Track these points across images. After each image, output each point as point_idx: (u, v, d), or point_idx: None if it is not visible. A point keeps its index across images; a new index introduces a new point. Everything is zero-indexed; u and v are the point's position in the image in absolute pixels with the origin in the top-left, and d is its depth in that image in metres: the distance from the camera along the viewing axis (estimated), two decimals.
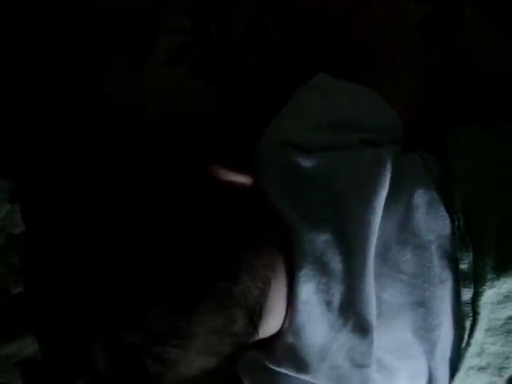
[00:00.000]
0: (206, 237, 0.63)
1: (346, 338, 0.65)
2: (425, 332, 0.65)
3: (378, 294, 0.65)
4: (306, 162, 0.68)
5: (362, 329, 0.65)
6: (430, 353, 0.66)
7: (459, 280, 0.65)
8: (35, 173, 0.79)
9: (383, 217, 0.66)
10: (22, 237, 0.78)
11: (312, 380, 0.67)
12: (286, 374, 0.68)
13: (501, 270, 0.64)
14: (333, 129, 0.70)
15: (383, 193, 0.66)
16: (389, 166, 0.67)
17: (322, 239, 0.66)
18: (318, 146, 0.69)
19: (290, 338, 0.66)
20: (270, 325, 0.67)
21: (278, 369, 0.68)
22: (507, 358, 0.66)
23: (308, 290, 0.65)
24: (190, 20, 0.77)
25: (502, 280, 0.64)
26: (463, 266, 0.65)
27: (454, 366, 0.66)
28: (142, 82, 0.79)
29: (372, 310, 0.64)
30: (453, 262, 0.66)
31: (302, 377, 0.67)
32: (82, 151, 0.79)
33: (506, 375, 0.67)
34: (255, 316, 0.64)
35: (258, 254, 0.65)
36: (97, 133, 0.79)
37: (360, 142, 0.71)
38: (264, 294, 0.64)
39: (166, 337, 0.61)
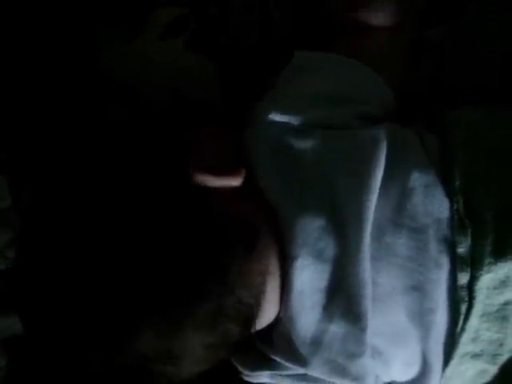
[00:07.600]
0: (194, 252, 0.60)
1: (337, 328, 0.63)
2: (419, 316, 0.64)
3: (373, 277, 0.63)
4: (299, 143, 0.66)
5: (356, 313, 0.63)
6: (424, 338, 0.65)
7: (456, 264, 0.64)
8: (23, 145, 0.77)
9: (379, 199, 0.64)
10: (8, 211, 0.77)
11: (308, 372, 0.66)
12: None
13: (498, 255, 0.63)
14: (324, 104, 0.68)
15: (379, 174, 0.64)
16: (384, 147, 0.65)
17: (316, 225, 0.63)
18: (311, 124, 0.67)
19: (283, 329, 0.64)
20: (265, 318, 0.65)
21: (272, 356, 0.67)
22: (501, 344, 0.65)
23: (303, 280, 0.63)
24: None
25: (500, 265, 0.63)
26: (461, 250, 0.64)
27: (449, 353, 0.65)
28: (136, 54, 0.76)
29: (366, 295, 0.63)
30: (450, 245, 0.64)
31: (296, 368, 0.66)
32: (73, 125, 0.77)
33: (500, 362, 0.66)
34: (250, 320, 0.63)
35: (251, 261, 0.62)
36: (89, 105, 0.77)
37: (355, 117, 0.69)
38: (258, 300, 0.62)
39: (159, 357, 0.60)
